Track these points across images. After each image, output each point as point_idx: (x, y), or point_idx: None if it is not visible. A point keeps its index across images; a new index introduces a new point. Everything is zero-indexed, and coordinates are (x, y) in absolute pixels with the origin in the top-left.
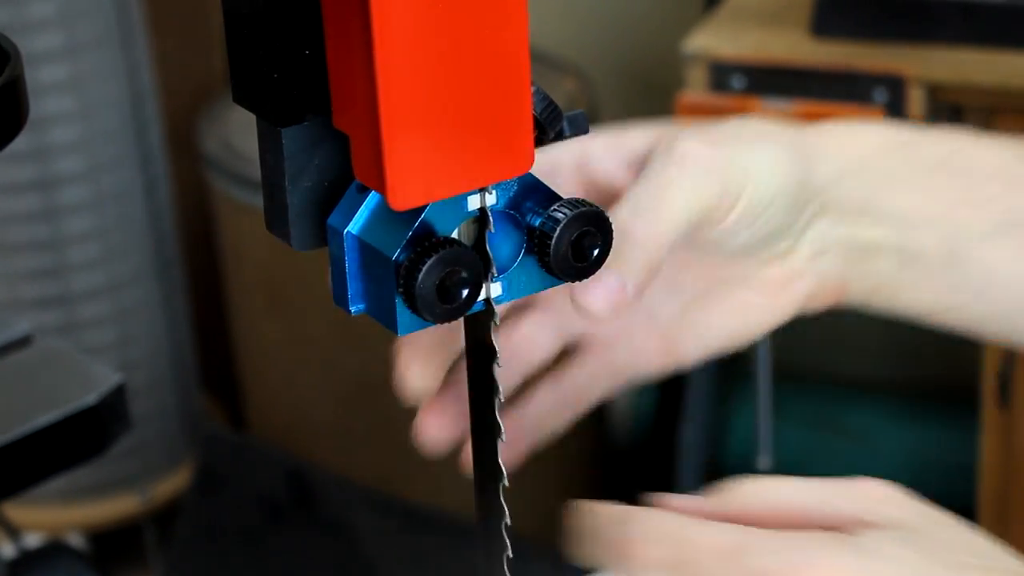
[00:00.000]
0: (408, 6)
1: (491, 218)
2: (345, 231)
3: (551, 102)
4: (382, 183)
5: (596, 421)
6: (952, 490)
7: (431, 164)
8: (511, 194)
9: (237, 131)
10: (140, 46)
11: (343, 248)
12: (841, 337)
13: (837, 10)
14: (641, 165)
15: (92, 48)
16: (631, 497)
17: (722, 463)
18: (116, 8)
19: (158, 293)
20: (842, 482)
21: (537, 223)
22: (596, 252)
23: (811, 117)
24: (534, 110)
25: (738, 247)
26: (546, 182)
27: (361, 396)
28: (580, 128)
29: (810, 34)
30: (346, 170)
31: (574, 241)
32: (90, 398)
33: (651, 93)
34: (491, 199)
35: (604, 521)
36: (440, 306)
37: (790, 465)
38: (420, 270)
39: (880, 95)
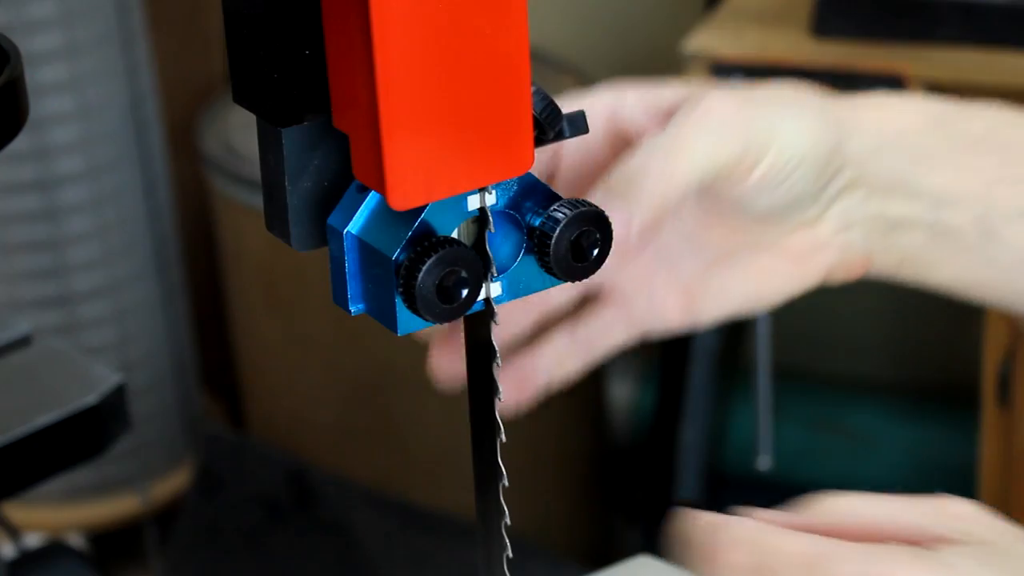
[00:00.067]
0: (408, 6)
1: (491, 218)
2: (345, 231)
3: (551, 102)
4: (382, 183)
5: (596, 421)
6: (952, 490)
7: (431, 164)
8: (511, 194)
9: (237, 131)
10: (140, 46)
11: (343, 248)
12: (841, 337)
13: (837, 10)
14: (669, 118)
15: (92, 48)
16: (631, 497)
17: (722, 463)
18: (116, 8)
19: (158, 293)
20: (923, 498)
21: (537, 223)
22: (596, 252)
23: None
24: (534, 110)
25: (763, 210)
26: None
27: (361, 396)
28: (580, 128)
29: (810, 34)
30: (346, 170)
31: (574, 241)
32: (90, 398)
33: None
34: (491, 199)
35: (695, 527)
36: (440, 306)
37: (790, 465)
38: (420, 270)
39: None
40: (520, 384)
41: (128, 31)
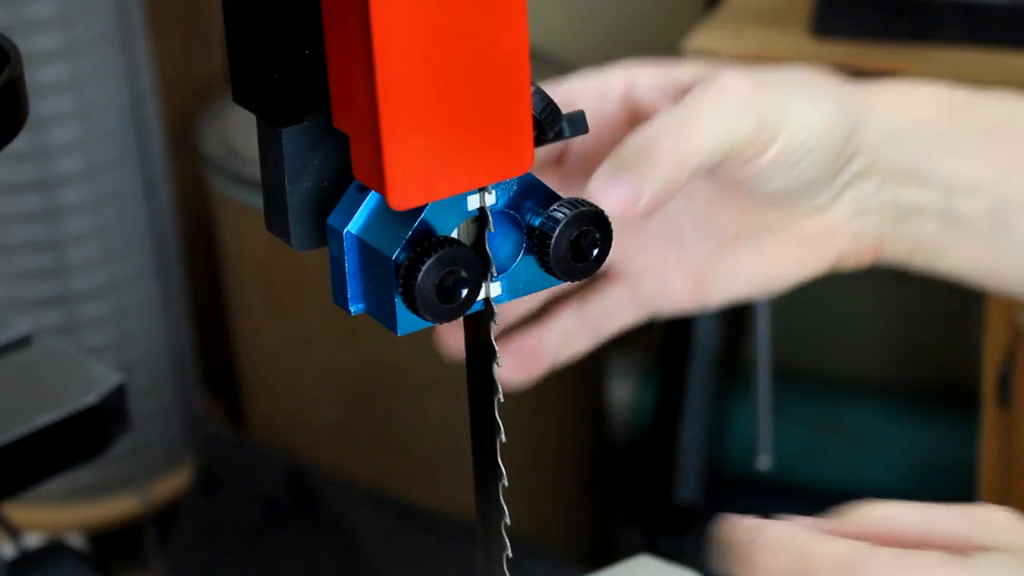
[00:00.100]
0: (408, 6)
1: (491, 218)
2: (345, 231)
3: (551, 102)
4: (382, 183)
5: (596, 421)
6: (952, 490)
7: (430, 164)
8: (511, 194)
9: (237, 131)
10: (140, 46)
11: (343, 248)
12: (841, 337)
13: (837, 10)
14: (683, 97)
15: (92, 48)
16: (631, 497)
17: (722, 463)
18: (116, 8)
19: (158, 293)
20: (959, 507)
21: (537, 223)
22: (596, 252)
23: None
24: (534, 110)
25: (775, 193)
26: (595, 107)
27: (361, 396)
28: (580, 128)
29: (810, 34)
30: (346, 170)
31: (573, 241)
32: (90, 398)
33: None
34: (491, 199)
35: (736, 531)
36: (440, 306)
37: (790, 465)
38: (420, 270)
39: None
40: (527, 361)
41: (128, 31)
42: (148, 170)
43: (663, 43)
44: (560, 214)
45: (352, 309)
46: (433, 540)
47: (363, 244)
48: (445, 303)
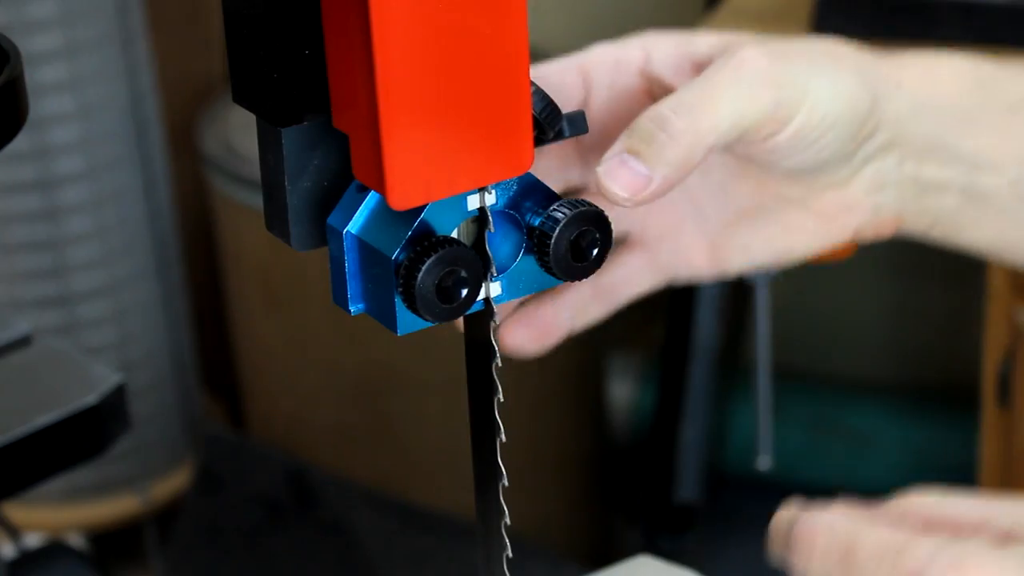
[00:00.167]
0: (408, 6)
1: (491, 218)
2: (345, 231)
3: (551, 102)
4: (381, 183)
5: (596, 421)
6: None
7: (430, 164)
8: (511, 194)
9: (237, 131)
10: (140, 46)
11: (343, 248)
12: (841, 337)
13: (837, 10)
14: (702, 69)
15: (92, 48)
16: (631, 497)
17: (722, 463)
18: (116, 8)
19: (158, 293)
20: (1004, 498)
21: (537, 223)
22: (596, 252)
23: None
24: (534, 110)
25: (795, 168)
26: (612, 79)
27: (361, 396)
28: (580, 128)
29: (810, 34)
30: (346, 170)
31: (573, 241)
32: (90, 398)
33: None
34: (491, 199)
35: (787, 516)
36: (439, 305)
37: (790, 465)
38: (419, 270)
39: None
40: (542, 331)
41: (128, 31)
42: (148, 170)
43: None
44: (560, 214)
45: (352, 309)
46: (433, 540)
47: (363, 244)
48: (445, 303)
